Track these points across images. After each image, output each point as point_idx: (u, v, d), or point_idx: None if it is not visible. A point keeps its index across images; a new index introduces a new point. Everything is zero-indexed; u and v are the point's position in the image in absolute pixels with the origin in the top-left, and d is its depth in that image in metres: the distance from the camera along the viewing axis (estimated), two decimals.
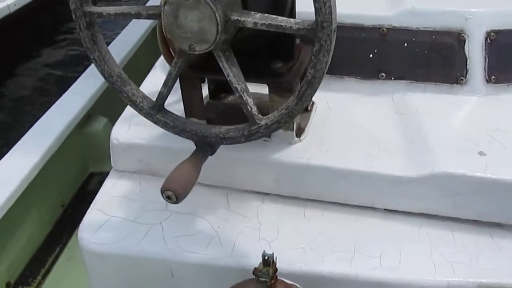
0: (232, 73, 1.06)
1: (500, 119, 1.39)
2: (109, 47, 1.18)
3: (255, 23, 0.98)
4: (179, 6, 0.98)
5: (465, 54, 1.50)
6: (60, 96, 2.48)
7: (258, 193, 1.37)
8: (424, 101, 1.49)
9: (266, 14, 0.99)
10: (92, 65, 3.08)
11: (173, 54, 1.64)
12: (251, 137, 1.11)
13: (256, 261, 1.14)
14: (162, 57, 1.97)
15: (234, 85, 1.07)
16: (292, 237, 1.23)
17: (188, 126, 1.18)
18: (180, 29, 1.01)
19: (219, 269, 1.19)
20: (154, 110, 1.19)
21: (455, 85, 1.50)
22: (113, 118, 3.43)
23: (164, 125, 1.20)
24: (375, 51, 1.56)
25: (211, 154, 1.18)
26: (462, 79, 1.49)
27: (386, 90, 1.55)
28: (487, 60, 1.49)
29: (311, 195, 1.32)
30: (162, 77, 1.77)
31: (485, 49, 1.49)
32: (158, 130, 1.45)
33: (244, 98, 1.08)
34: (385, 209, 1.29)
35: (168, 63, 1.69)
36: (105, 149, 3.11)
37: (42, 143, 2.08)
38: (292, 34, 1.26)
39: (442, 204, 1.23)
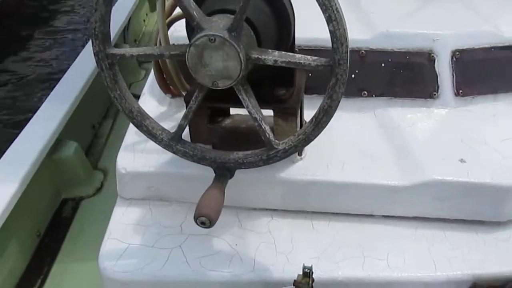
0: (251, 104, 1.17)
1: (471, 128, 1.58)
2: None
3: (275, 61, 1.10)
4: (204, 48, 1.08)
5: (435, 72, 1.69)
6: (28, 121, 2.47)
7: (266, 209, 1.48)
8: (404, 115, 1.66)
9: (283, 52, 1.11)
10: (57, 88, 3.09)
11: (168, 84, 1.73)
12: (269, 161, 1.22)
13: (278, 274, 1.26)
14: (148, 83, 2.05)
15: (254, 116, 1.17)
16: (305, 248, 1.34)
17: (207, 154, 1.27)
18: (205, 67, 1.10)
19: (243, 285, 1.28)
20: (174, 141, 1.27)
21: (428, 99, 1.69)
22: (83, 142, 3.41)
23: (184, 155, 1.28)
24: (356, 71, 1.71)
25: (230, 178, 1.28)
26: (434, 94, 1.68)
27: (369, 106, 1.71)
28: (454, 76, 1.69)
29: (316, 208, 1.45)
30: (152, 103, 1.84)
31: (452, 67, 1.69)
32: (164, 156, 1.54)
33: (263, 127, 1.18)
34: (383, 216, 1.43)
35: (163, 91, 1.77)
36: (77, 174, 3.11)
37: (15, 174, 2.08)
38: None
39: (433, 207, 1.40)
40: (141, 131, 1.28)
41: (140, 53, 1.16)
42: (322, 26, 1.69)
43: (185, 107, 1.79)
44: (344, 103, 1.72)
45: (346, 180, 1.40)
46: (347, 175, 1.41)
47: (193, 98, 1.20)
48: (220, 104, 1.39)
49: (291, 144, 1.19)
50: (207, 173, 1.42)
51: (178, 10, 1.61)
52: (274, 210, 1.47)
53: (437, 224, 1.40)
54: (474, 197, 1.37)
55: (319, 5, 1.03)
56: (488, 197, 1.36)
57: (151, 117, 1.28)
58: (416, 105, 1.69)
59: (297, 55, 1.10)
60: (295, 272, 1.27)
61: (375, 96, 1.70)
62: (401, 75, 1.70)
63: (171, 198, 1.52)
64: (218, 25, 1.08)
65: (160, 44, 1.59)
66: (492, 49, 1.72)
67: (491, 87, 1.72)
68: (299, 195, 1.43)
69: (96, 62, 1.18)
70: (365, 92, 1.70)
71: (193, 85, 1.47)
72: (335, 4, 1.02)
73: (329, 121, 1.15)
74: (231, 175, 1.28)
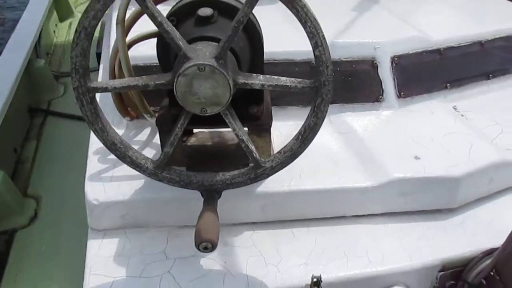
0: (237, 127, 1.21)
1: (416, 126, 1.76)
2: None
3: (262, 85, 1.15)
4: (193, 77, 1.10)
5: (379, 77, 1.84)
6: None
7: (246, 223, 1.52)
8: (356, 119, 1.80)
9: (268, 76, 1.16)
10: None
11: (127, 108, 1.70)
12: (257, 179, 1.27)
13: (272, 284, 1.32)
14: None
15: (241, 137, 1.21)
16: (292, 256, 1.41)
17: (193, 178, 1.28)
18: (194, 95, 1.12)
19: None
20: (159, 169, 1.26)
21: (376, 102, 1.84)
22: (6, 168, 3.19)
23: (170, 181, 1.28)
24: None
25: (218, 198, 1.30)
26: (380, 97, 1.84)
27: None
28: (395, 80, 1.86)
29: (295, 216, 1.52)
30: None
31: (392, 71, 1.86)
32: (136, 182, 1.52)
33: (250, 147, 1.23)
34: (355, 216, 1.55)
35: (121, 115, 1.74)
36: (6, 204, 2.90)
37: None
38: None
39: (398, 202, 1.54)
40: (124, 162, 1.26)
41: (123, 85, 1.14)
42: (288, 42, 1.78)
43: (145, 129, 1.78)
44: (300, 112, 1.83)
45: (320, 187, 1.49)
46: (320, 182, 1.50)
47: (178, 125, 1.21)
48: (198, 127, 1.40)
49: (278, 161, 1.25)
50: (184, 195, 1.44)
51: (132, 36, 1.59)
52: (254, 223, 1.52)
53: (403, 217, 1.55)
54: (431, 189, 1.53)
55: (306, 32, 1.10)
56: (442, 187, 1.53)
57: (133, 147, 1.26)
58: (365, 109, 1.83)
59: (282, 78, 1.16)
60: (288, 280, 1.34)
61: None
62: (350, 82, 1.84)
63: (149, 224, 1.51)
64: (205, 53, 1.11)
65: (119, 69, 1.56)
66: (423, 53, 1.93)
67: (426, 87, 1.92)
68: (278, 206, 1.49)
69: (76, 97, 1.14)
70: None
71: (162, 108, 1.47)
72: (321, 32, 1.10)
73: (314, 137, 1.23)
74: (219, 196, 1.30)
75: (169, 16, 1.25)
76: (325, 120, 1.83)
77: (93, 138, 1.72)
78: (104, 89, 1.14)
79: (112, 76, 1.59)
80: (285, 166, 1.28)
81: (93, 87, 1.13)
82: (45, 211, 3.09)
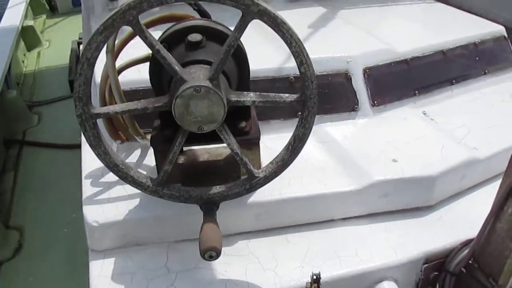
0: (232, 141, 1.30)
1: (391, 132, 1.89)
2: None
3: (253, 101, 1.24)
4: (190, 98, 1.18)
5: (353, 88, 1.98)
6: None
7: (241, 233, 1.60)
8: (335, 128, 1.92)
9: (258, 93, 1.26)
10: None
11: (118, 132, 1.76)
12: (252, 189, 1.36)
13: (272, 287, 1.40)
14: None
15: (235, 151, 1.30)
16: (288, 260, 1.50)
17: (192, 193, 1.36)
18: (191, 115, 1.21)
19: None
20: (160, 187, 1.33)
21: (352, 112, 1.97)
22: None
23: (170, 197, 1.36)
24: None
25: (217, 210, 1.38)
26: (356, 107, 1.97)
27: None
28: (368, 90, 1.99)
29: (287, 223, 1.61)
30: None
31: (365, 82, 1.99)
32: (133, 202, 1.58)
33: (244, 160, 1.32)
34: (342, 218, 1.65)
35: (112, 138, 1.80)
36: None
37: None
38: None
39: (380, 203, 1.66)
40: (126, 181, 1.32)
41: (124, 109, 1.22)
42: (267, 60, 1.87)
43: (135, 151, 1.84)
44: (283, 124, 1.94)
45: (309, 193, 1.59)
46: (308, 189, 1.60)
47: (176, 143, 1.29)
48: (191, 144, 1.49)
49: (271, 171, 1.34)
50: (181, 211, 1.51)
51: (122, 62, 1.67)
52: (249, 232, 1.60)
53: (386, 216, 1.66)
54: (410, 189, 1.66)
55: (292, 52, 1.21)
56: (420, 186, 1.66)
57: (134, 168, 1.33)
58: (343, 118, 1.96)
59: (271, 94, 1.26)
60: (286, 283, 1.43)
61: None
62: (326, 94, 1.96)
63: (148, 240, 1.56)
64: (199, 76, 1.20)
65: (110, 95, 1.63)
66: (392, 64, 2.08)
67: (397, 95, 2.07)
68: (271, 214, 1.58)
69: (80, 124, 1.20)
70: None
71: (154, 129, 1.54)
72: (305, 51, 1.21)
73: (303, 147, 1.33)
74: (217, 207, 1.38)
75: (161, 42, 1.34)
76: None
77: (85, 163, 1.77)
78: (106, 114, 1.22)
79: (103, 102, 1.66)
80: (278, 175, 1.37)
81: (95, 113, 1.20)
82: (29, 241, 3.08)
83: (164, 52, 1.17)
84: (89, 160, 1.81)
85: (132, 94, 1.81)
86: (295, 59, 1.23)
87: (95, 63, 1.16)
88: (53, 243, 3.05)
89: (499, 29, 2.43)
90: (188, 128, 1.24)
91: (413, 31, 2.35)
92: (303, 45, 1.22)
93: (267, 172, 1.34)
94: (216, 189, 1.36)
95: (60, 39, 5.67)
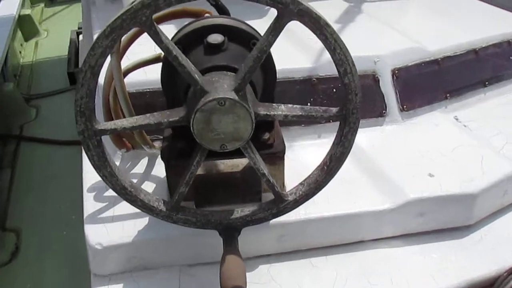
0: (258, 160, 1.12)
1: (422, 141, 1.72)
2: None
3: (285, 116, 1.07)
4: (212, 112, 1.01)
5: (381, 91, 1.80)
6: None
7: (261, 257, 1.44)
8: (362, 136, 1.72)
9: (289, 105, 1.09)
10: None
11: (123, 139, 1.59)
12: (279, 213, 1.19)
13: None
14: None
15: (261, 171, 1.13)
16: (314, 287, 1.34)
17: (211, 217, 1.19)
18: (212, 132, 1.03)
19: None
20: (174, 211, 1.17)
21: (380, 117, 1.79)
22: None
23: (185, 223, 1.19)
24: (311, 99, 1.75)
25: (238, 236, 1.22)
26: (384, 112, 1.79)
27: (328, 131, 1.76)
28: (397, 93, 1.82)
29: (311, 245, 1.45)
30: None
31: (394, 84, 1.82)
32: (140, 221, 1.41)
33: (271, 181, 1.15)
34: (372, 240, 1.49)
35: (117, 147, 1.63)
36: None
37: None
38: None
39: (414, 223, 1.49)
40: (135, 206, 1.15)
41: (134, 125, 1.04)
42: (287, 59, 1.69)
43: (141, 160, 1.67)
44: (303, 131, 1.76)
45: (337, 213, 1.42)
46: (336, 208, 1.43)
47: (194, 163, 1.12)
48: (209, 159, 1.32)
49: (301, 194, 1.17)
50: (195, 231, 1.34)
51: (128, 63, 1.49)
52: (268, 255, 1.44)
53: (420, 238, 1.50)
54: (448, 207, 1.49)
55: (334, 59, 1.03)
56: (459, 205, 1.49)
57: (144, 190, 1.16)
58: (369, 125, 1.78)
59: (306, 108, 1.09)
60: None
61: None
62: None
63: (158, 264, 1.40)
64: (222, 86, 1.02)
65: (114, 100, 1.46)
66: (422, 64, 1.90)
67: (427, 99, 1.89)
68: (295, 236, 1.42)
69: (82, 141, 1.03)
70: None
71: (165, 140, 1.37)
72: (351, 58, 1.03)
73: (340, 168, 1.16)
74: (239, 233, 1.22)
75: (175, 43, 1.16)
76: (329, 139, 1.78)
77: (86, 174, 1.60)
78: (112, 131, 1.04)
79: (107, 106, 1.48)
80: (309, 199, 1.20)
81: (100, 130, 1.03)
82: (27, 245, 2.92)
83: (183, 58, 0.99)
84: (91, 170, 1.64)
85: (138, 97, 1.64)
86: (337, 68, 1.06)
87: (99, 71, 0.99)
88: (52, 246, 2.90)
89: None
90: (209, 146, 1.07)
91: (442, 27, 2.17)
92: (348, 52, 1.05)
93: (298, 195, 1.18)
94: (238, 213, 1.20)
95: (58, 29, 5.46)
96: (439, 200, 1.47)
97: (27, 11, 5.26)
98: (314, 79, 1.75)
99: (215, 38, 1.12)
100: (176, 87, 1.20)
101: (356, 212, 1.43)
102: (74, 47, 4.50)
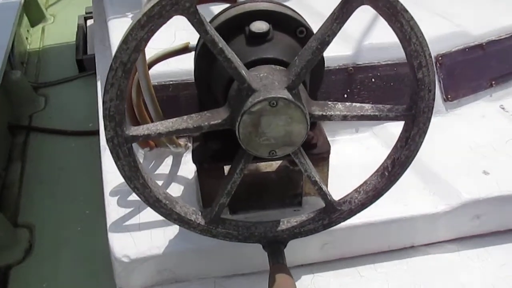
0: (309, 167, 0.99)
1: (471, 134, 1.58)
2: None
3: (344, 116, 0.93)
4: (262, 114, 0.87)
5: None
6: None
7: (303, 266, 1.32)
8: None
9: (347, 104, 0.95)
10: None
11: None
12: (332, 224, 1.06)
13: None
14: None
15: (313, 179, 1.00)
16: None
17: (254, 230, 1.06)
18: (261, 136, 0.90)
19: None
20: (213, 224, 1.04)
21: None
22: None
23: (226, 237, 1.06)
24: (348, 90, 1.61)
25: (284, 248, 1.09)
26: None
27: (366, 124, 1.62)
28: (441, 82, 1.67)
29: (358, 252, 1.32)
30: None
31: (437, 72, 1.67)
32: (170, 230, 1.29)
33: (323, 189, 1.02)
34: (423, 245, 1.36)
35: (139, 146, 1.50)
36: None
37: None
38: None
39: (470, 225, 1.36)
40: (170, 220, 1.03)
41: (170, 130, 0.91)
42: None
43: (166, 159, 1.54)
44: (338, 124, 1.62)
45: (387, 217, 1.29)
46: (385, 212, 1.30)
47: (237, 171, 0.98)
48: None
49: (357, 203, 1.04)
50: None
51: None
52: (311, 264, 1.32)
53: (475, 241, 1.37)
54: (507, 208, 1.36)
55: (408, 50, 0.89)
56: None
57: (179, 201, 1.03)
58: None
59: (366, 106, 0.95)
60: None
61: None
62: (391, 88, 1.64)
63: (190, 277, 1.28)
64: (272, 83, 0.88)
65: (137, 94, 1.32)
66: (466, 50, 1.74)
67: (472, 87, 1.74)
68: (341, 243, 1.29)
69: (111, 150, 0.90)
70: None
71: (195, 141, 1.24)
72: (428, 50, 0.89)
73: (403, 173, 1.03)
74: (285, 246, 1.09)
75: None
76: (369, 133, 1.66)
77: (107, 175, 1.48)
78: (146, 137, 0.91)
79: (129, 105, 1.35)
80: (366, 208, 1.07)
81: (132, 136, 0.89)
82: (41, 241, 2.82)
83: (229, 52, 0.85)
84: (112, 171, 1.51)
85: (160, 89, 1.50)
86: (411, 60, 0.92)
87: (132, 68, 0.85)
88: (67, 242, 2.79)
89: None
90: (255, 152, 0.93)
91: (484, 9, 2.00)
92: (426, 42, 0.90)
93: (353, 204, 1.04)
94: (284, 224, 1.07)
95: (65, 14, 5.28)
96: (497, 201, 1.34)
97: None
98: (350, 68, 1.61)
99: (259, 26, 0.98)
100: (213, 82, 1.06)
101: (408, 216, 1.30)
102: (82, 33, 4.33)
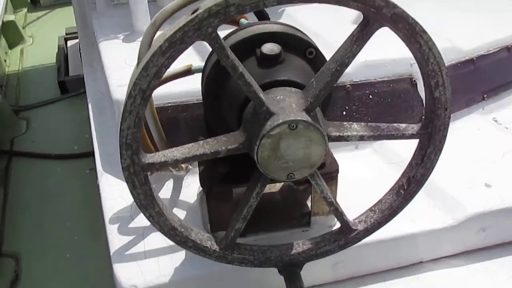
0: (325, 188, 0.98)
1: (468, 147, 1.60)
2: None
3: (361, 137, 0.93)
4: (281, 137, 0.86)
5: (419, 96, 1.67)
6: None
7: (313, 286, 1.30)
8: (402, 145, 1.61)
9: (363, 124, 0.95)
10: None
11: None
12: (348, 244, 1.05)
13: None
14: (104, 158, 1.69)
15: (329, 200, 0.99)
16: None
17: (270, 254, 1.04)
18: (280, 160, 0.89)
19: None
20: (229, 250, 1.01)
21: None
22: None
23: (241, 262, 1.04)
24: (346, 107, 1.62)
25: (300, 271, 1.07)
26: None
27: (364, 141, 1.63)
28: None
29: (368, 271, 1.32)
30: (120, 185, 1.49)
31: None
32: (177, 256, 1.26)
33: (340, 209, 1.01)
34: (432, 260, 1.36)
35: None
36: None
37: None
38: None
39: (476, 239, 1.37)
40: (185, 247, 1.00)
41: (188, 156, 0.89)
42: None
43: (166, 183, 1.51)
44: (336, 143, 1.62)
45: (396, 234, 1.29)
46: (394, 228, 1.29)
47: (253, 195, 0.97)
48: (243, 184, 1.16)
49: (373, 222, 1.04)
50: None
51: None
52: (323, 284, 1.30)
53: (482, 254, 1.38)
54: (510, 220, 1.37)
55: (426, 70, 0.90)
56: None
57: (194, 228, 1.00)
58: None
59: (382, 126, 0.95)
60: None
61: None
62: (389, 104, 1.65)
63: None
64: (290, 106, 0.88)
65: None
66: (458, 64, 1.78)
67: (465, 101, 1.78)
68: (351, 262, 1.28)
69: (127, 179, 0.87)
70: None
71: (201, 164, 1.22)
72: (445, 69, 0.90)
73: (419, 191, 1.03)
74: (301, 269, 1.07)
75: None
76: (369, 150, 1.66)
77: (106, 201, 1.44)
78: (162, 164, 0.89)
79: None
80: (382, 227, 1.07)
81: (148, 164, 0.87)
82: (28, 271, 2.72)
83: (249, 76, 0.84)
84: (111, 197, 1.48)
85: (159, 112, 1.48)
86: (428, 80, 0.92)
87: (151, 95, 0.83)
88: (56, 271, 2.70)
89: None
90: (273, 175, 0.92)
91: (472, 25, 2.05)
92: (443, 61, 0.91)
93: (369, 224, 1.04)
94: (300, 246, 1.05)
95: (44, 35, 5.20)
96: (501, 213, 1.36)
97: (10, 17, 4.99)
98: (348, 85, 1.62)
99: (271, 48, 0.98)
100: (224, 106, 1.05)
101: (415, 232, 1.31)
102: (63, 54, 4.27)
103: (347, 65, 0.88)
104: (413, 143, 1.61)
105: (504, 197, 1.38)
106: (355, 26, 0.90)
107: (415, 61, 1.69)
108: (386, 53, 1.70)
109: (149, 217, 0.94)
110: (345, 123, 0.97)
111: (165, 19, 1.17)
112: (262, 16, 1.21)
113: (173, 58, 0.80)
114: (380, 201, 1.07)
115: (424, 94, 1.65)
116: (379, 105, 1.64)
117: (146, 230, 1.33)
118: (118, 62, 1.78)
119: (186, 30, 0.77)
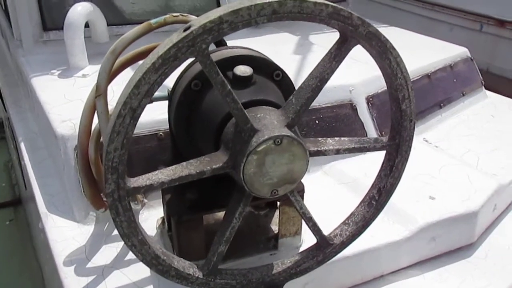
0: (303, 205, 1.00)
1: (407, 164, 1.72)
2: None
3: (337, 150, 0.97)
4: (267, 153, 0.88)
5: (360, 119, 1.79)
6: None
7: None
8: (349, 166, 1.70)
9: (337, 139, 0.99)
10: None
11: (100, 195, 1.36)
12: (326, 260, 1.07)
13: None
14: (47, 199, 1.56)
15: (308, 215, 1.01)
16: None
17: (252, 276, 1.03)
18: (265, 176, 0.90)
19: None
20: (212, 276, 0.98)
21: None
22: None
23: (224, 287, 1.01)
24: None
25: None
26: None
27: (316, 164, 1.69)
28: (374, 120, 1.82)
29: (335, 287, 1.34)
30: (68, 226, 1.42)
31: (369, 111, 1.82)
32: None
33: (317, 225, 1.03)
34: (391, 272, 1.42)
35: (94, 207, 1.39)
36: None
37: None
38: None
39: (428, 248, 1.46)
40: (167, 277, 0.95)
41: (173, 177, 0.86)
42: None
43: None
44: None
45: (359, 249, 1.33)
46: (356, 245, 1.34)
47: (236, 215, 0.96)
48: (213, 210, 1.15)
49: (348, 235, 1.07)
50: None
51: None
52: None
53: (434, 262, 1.47)
54: (455, 228, 1.49)
55: (393, 85, 0.97)
56: (464, 224, 1.50)
57: (175, 256, 0.96)
58: (354, 154, 1.75)
59: (354, 139, 1.00)
60: None
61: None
62: (334, 127, 1.74)
63: None
64: (272, 122, 0.90)
65: (94, 153, 1.24)
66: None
67: None
68: (319, 281, 1.30)
69: (110, 206, 0.82)
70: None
71: (167, 192, 1.18)
72: (410, 83, 0.97)
73: (388, 201, 1.08)
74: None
75: (193, 79, 1.01)
76: (319, 172, 1.72)
77: (55, 244, 1.33)
78: (148, 188, 0.85)
79: (85, 157, 1.26)
80: (356, 239, 1.10)
81: (134, 188, 0.83)
82: None
83: (234, 96, 0.85)
84: (62, 239, 1.37)
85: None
86: (395, 93, 0.99)
87: (140, 115, 0.80)
88: None
89: (464, 51, 2.45)
90: (258, 193, 0.92)
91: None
92: (409, 76, 0.99)
93: (344, 237, 1.07)
94: (279, 266, 1.05)
95: None
96: (447, 222, 1.46)
97: None
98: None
99: (244, 70, 1.00)
100: (197, 129, 1.04)
101: (376, 246, 1.36)
102: None
103: (326, 81, 0.93)
104: (362, 163, 1.71)
105: (448, 207, 1.49)
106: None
107: (353, 88, 1.83)
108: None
109: (131, 247, 0.88)
110: (319, 138, 1.00)
111: (125, 47, 1.15)
112: (220, 43, 1.24)
113: (165, 75, 0.79)
114: (352, 213, 1.11)
115: (363, 118, 1.78)
116: (325, 129, 1.73)
117: (106, 270, 1.24)
118: (56, 98, 1.69)
119: (180, 47, 0.77)
